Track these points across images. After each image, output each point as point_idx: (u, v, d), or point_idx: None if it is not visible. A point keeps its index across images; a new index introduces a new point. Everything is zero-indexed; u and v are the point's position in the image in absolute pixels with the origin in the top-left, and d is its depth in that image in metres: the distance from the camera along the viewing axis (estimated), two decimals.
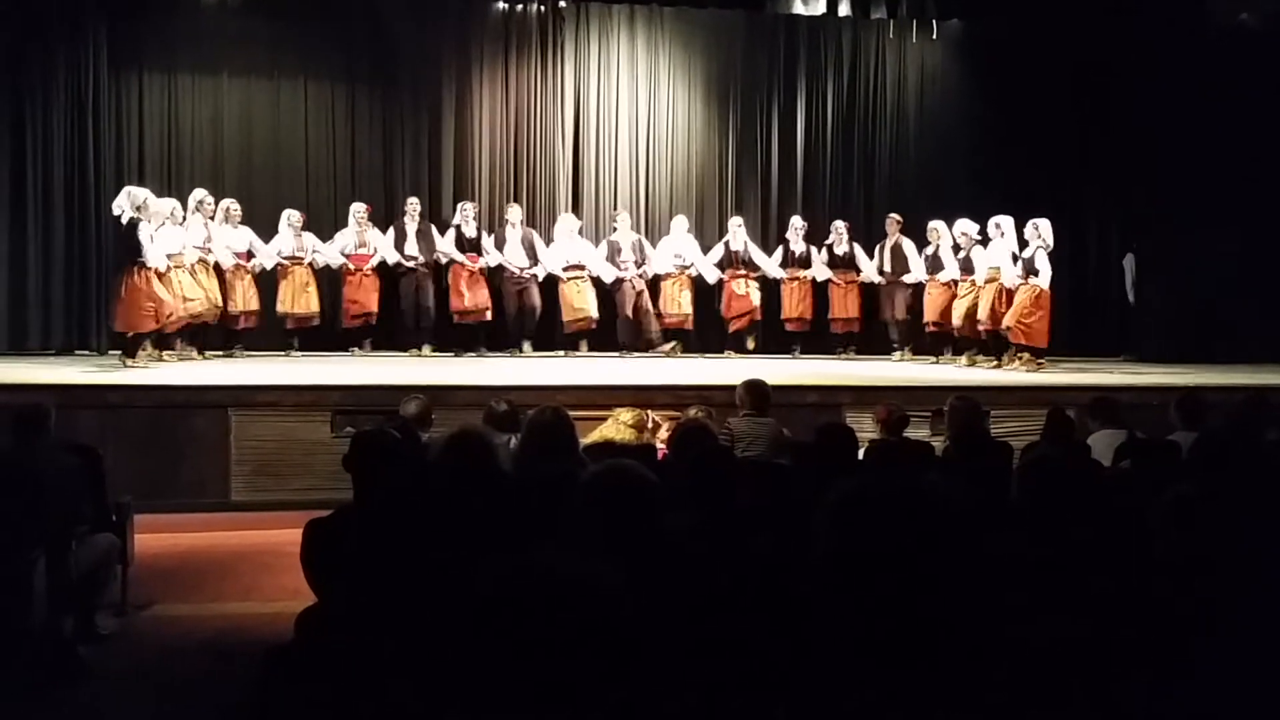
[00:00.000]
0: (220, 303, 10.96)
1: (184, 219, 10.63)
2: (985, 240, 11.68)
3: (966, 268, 11.80)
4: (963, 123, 13.77)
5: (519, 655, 1.59)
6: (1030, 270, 11.12)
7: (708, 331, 12.71)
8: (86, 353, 11.35)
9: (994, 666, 2.03)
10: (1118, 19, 12.75)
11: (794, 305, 12.55)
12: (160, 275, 9.79)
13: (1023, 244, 11.36)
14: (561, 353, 12.00)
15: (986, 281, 11.47)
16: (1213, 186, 13.08)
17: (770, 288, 12.63)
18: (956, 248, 12.02)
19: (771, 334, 12.77)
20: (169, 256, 10.08)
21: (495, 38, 12.97)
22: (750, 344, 12.46)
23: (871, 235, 12.90)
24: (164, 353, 10.30)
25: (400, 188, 12.55)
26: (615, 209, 12.78)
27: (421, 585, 2.36)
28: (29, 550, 4.60)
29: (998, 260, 11.42)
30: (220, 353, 11.14)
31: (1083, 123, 13.39)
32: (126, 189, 10.06)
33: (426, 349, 11.74)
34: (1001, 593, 2.56)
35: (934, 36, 13.72)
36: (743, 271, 12.37)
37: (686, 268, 12.34)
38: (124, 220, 9.73)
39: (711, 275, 12.41)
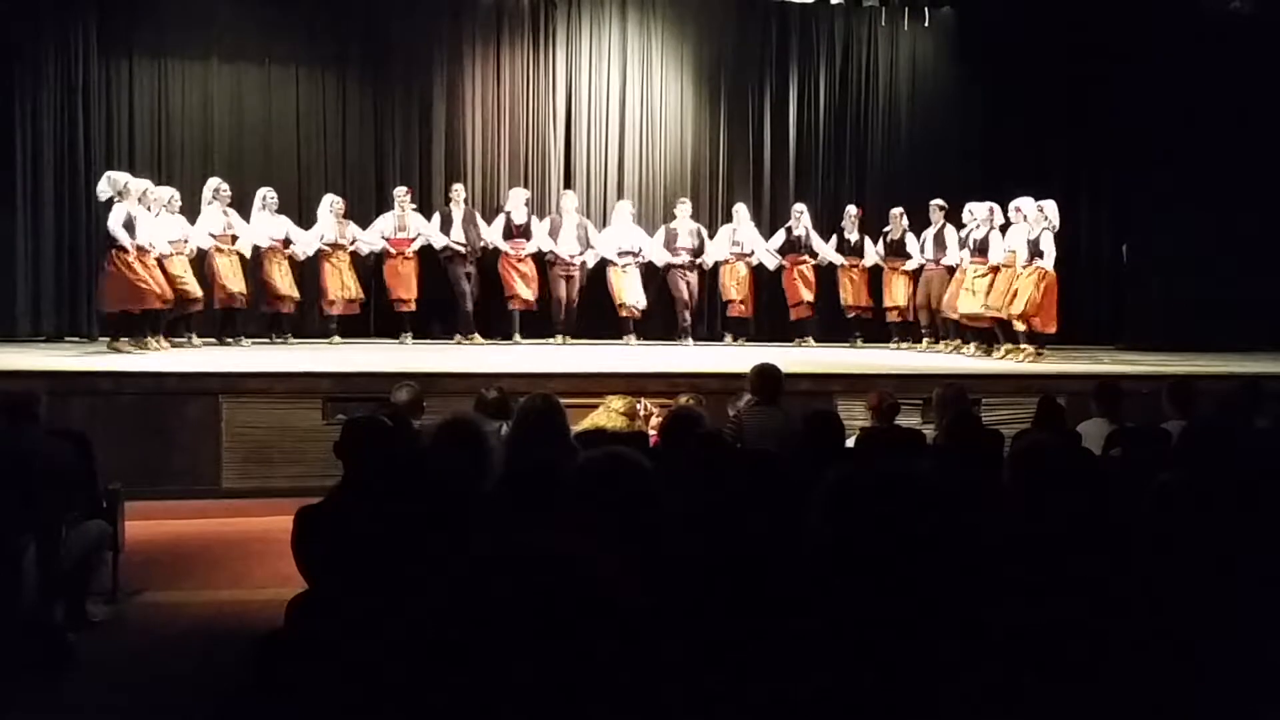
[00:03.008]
0: (241, 289, 11.01)
1: (180, 207, 10.63)
2: (1006, 224, 11.50)
3: (982, 250, 11.63)
4: (954, 110, 13.77)
5: (513, 639, 1.59)
6: (1035, 253, 10.97)
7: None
8: (77, 339, 11.32)
9: (986, 652, 2.04)
10: (1110, 6, 12.75)
11: (853, 293, 12.54)
12: (140, 258, 9.75)
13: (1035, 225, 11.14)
14: (612, 341, 12.02)
15: (1004, 266, 11.29)
16: (1206, 174, 13.10)
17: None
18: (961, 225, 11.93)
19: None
20: (170, 244, 10.09)
21: (487, 24, 12.93)
22: (799, 341, 12.47)
23: (865, 221, 12.87)
24: (169, 339, 10.31)
25: (391, 174, 12.52)
26: (680, 198, 12.67)
27: (412, 571, 2.35)
28: (19, 537, 4.60)
29: (1014, 245, 11.23)
30: (264, 340, 11.29)
31: (1074, 110, 13.36)
32: (107, 174, 10.08)
33: (476, 335, 11.73)
34: (993, 579, 2.57)
35: (925, 24, 13.72)
36: (804, 258, 12.39)
37: (746, 255, 12.33)
38: (107, 203, 9.78)
39: (771, 262, 12.44)
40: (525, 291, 11.83)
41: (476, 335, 11.74)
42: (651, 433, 6.26)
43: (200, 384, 8.31)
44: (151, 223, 10.01)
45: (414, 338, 11.73)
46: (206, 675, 4.24)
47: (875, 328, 12.77)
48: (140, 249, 9.76)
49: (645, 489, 2.68)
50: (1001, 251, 11.36)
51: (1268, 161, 13.05)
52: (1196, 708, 2.23)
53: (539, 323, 12.14)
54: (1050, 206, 11.08)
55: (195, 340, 10.69)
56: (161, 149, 12.10)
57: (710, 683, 1.96)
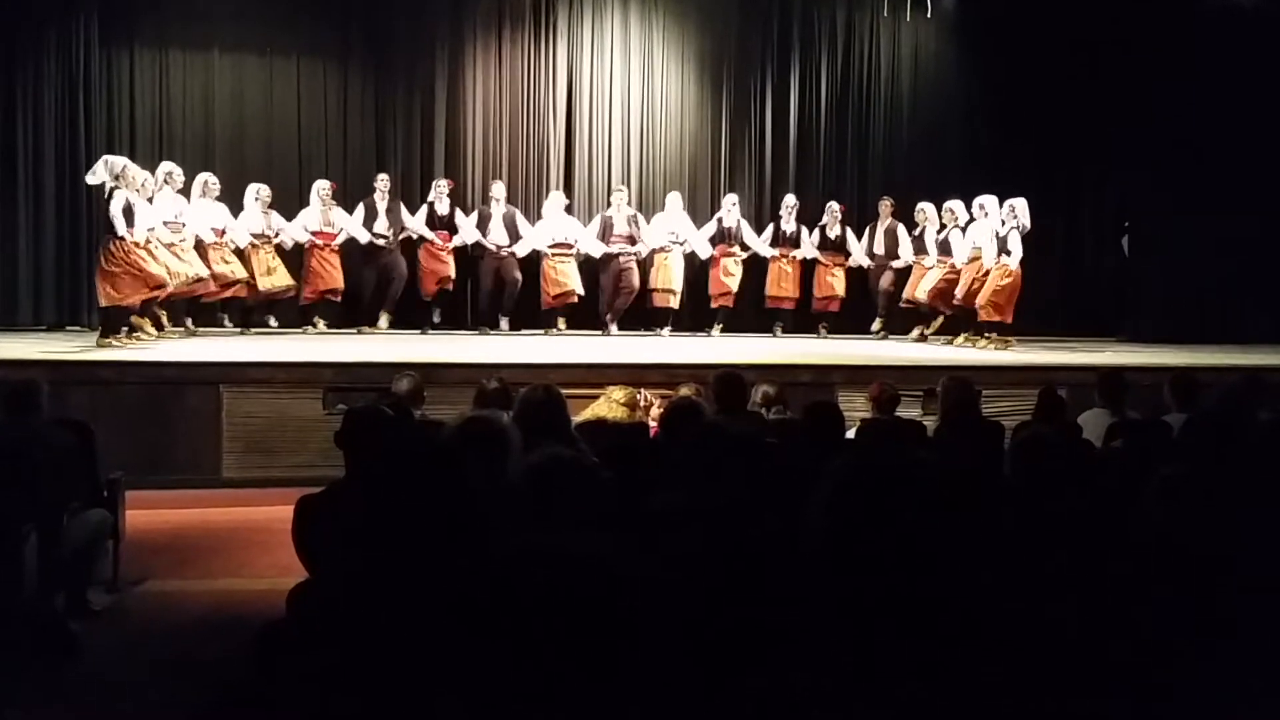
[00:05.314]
0: (198, 276, 10.68)
1: (152, 194, 10.39)
2: (969, 220, 11.63)
3: (945, 249, 11.77)
4: (956, 102, 13.77)
5: (520, 634, 1.59)
6: (1003, 249, 11.10)
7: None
8: (78, 328, 11.32)
9: (986, 644, 2.04)
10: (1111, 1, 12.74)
11: (779, 284, 12.57)
12: (138, 246, 9.62)
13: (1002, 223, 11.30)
14: (541, 331, 11.97)
15: (970, 261, 11.42)
16: (1208, 167, 13.09)
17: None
18: (942, 227, 12.01)
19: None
20: (148, 231, 9.97)
21: (488, 15, 12.90)
22: (717, 330, 12.47)
23: (865, 215, 12.94)
24: (146, 330, 10.08)
25: (392, 166, 12.47)
26: (616, 186, 12.65)
27: (412, 561, 2.35)
28: (20, 526, 4.60)
29: (980, 240, 11.37)
30: (199, 327, 11.10)
31: (1077, 102, 13.33)
32: (104, 158, 9.96)
33: (383, 322, 11.66)
34: (993, 571, 2.57)
35: (928, 16, 13.69)
36: (734, 249, 12.37)
37: (680, 243, 12.30)
38: (105, 190, 9.65)
39: (704, 251, 12.39)
40: (437, 278, 11.75)
41: (383, 321, 11.69)
42: (652, 423, 6.27)
43: (201, 374, 8.31)
44: (145, 210, 9.91)
45: (328, 326, 11.66)
46: (207, 664, 4.25)
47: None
48: (136, 239, 9.62)
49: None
50: (966, 250, 11.46)
51: (1268, 156, 13.04)
52: (1196, 703, 2.23)
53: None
54: (1021, 205, 11.19)
55: (146, 336, 10.20)
56: (162, 140, 12.04)
57: (709, 675, 1.97)
